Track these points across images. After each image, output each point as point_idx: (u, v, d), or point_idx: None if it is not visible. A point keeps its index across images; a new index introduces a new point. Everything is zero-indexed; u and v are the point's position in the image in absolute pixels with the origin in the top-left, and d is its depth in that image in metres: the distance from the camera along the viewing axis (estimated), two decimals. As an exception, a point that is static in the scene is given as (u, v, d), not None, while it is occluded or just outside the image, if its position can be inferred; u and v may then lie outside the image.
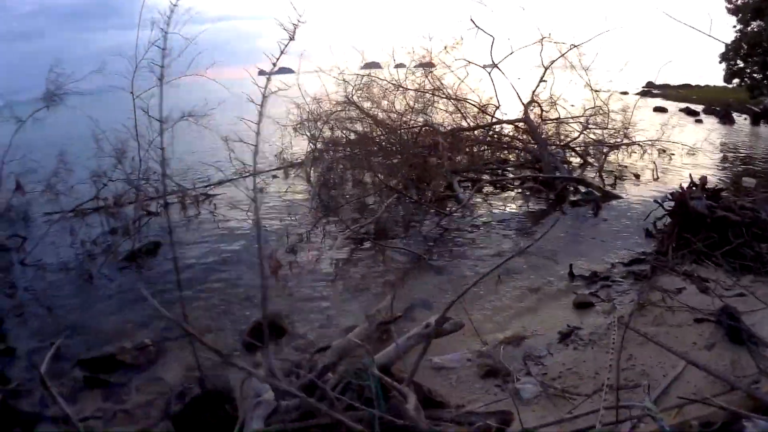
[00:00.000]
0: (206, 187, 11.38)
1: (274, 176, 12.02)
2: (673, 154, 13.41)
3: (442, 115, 12.12)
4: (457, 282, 6.41)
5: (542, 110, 11.61)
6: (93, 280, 7.02)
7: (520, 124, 11.38)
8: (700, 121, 21.51)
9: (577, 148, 12.43)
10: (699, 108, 24.96)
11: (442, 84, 11.64)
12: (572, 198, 9.65)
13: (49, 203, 9.64)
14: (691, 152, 13.37)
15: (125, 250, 7.78)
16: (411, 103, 11.52)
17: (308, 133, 11.95)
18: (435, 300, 5.94)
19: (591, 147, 12.24)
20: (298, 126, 11.85)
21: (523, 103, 11.05)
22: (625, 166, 12.41)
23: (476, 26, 10.71)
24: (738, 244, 6.43)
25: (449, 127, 11.62)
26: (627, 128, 12.62)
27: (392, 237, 8.22)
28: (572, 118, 12.24)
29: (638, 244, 7.59)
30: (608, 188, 9.99)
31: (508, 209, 9.57)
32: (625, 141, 12.61)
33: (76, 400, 4.25)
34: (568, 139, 12.12)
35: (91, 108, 10.06)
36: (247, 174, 11.32)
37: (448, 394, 3.99)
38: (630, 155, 13.20)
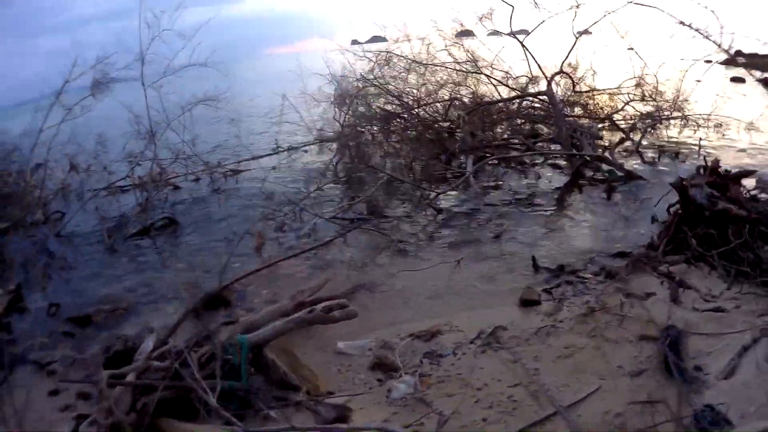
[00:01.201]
0: (239, 162, 11.51)
1: (305, 151, 11.89)
2: (728, 130, 11.87)
3: (482, 89, 11.32)
4: (416, 267, 6.16)
5: (573, 82, 10.57)
6: (109, 251, 7.76)
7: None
8: None
9: (620, 123, 11.30)
10: (782, 78, 21.86)
11: (473, 56, 10.86)
12: (596, 176, 8.82)
13: (99, 182, 10.27)
14: (750, 128, 11.72)
15: (144, 224, 8.39)
16: (441, 78, 10.92)
17: (339, 110, 11.59)
18: (385, 284, 5.77)
19: (631, 121, 11.06)
20: (333, 102, 11.46)
21: (545, 75, 10.09)
22: (676, 143, 11.19)
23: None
24: (737, 245, 5.58)
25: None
26: (677, 100, 11.24)
27: (385, 217, 7.95)
28: (609, 90, 11.05)
29: (640, 234, 6.73)
30: (635, 167, 9.01)
31: (523, 187, 8.93)
32: (673, 114, 11.26)
33: (56, 347, 5.10)
34: (606, 113, 11.01)
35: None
36: (275, 150, 11.44)
37: (329, 380, 3.99)
38: (682, 130, 11.84)
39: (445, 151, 9.86)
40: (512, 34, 9.91)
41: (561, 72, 10.18)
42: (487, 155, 9.41)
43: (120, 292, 6.28)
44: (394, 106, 10.74)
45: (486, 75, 10.41)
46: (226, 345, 3.49)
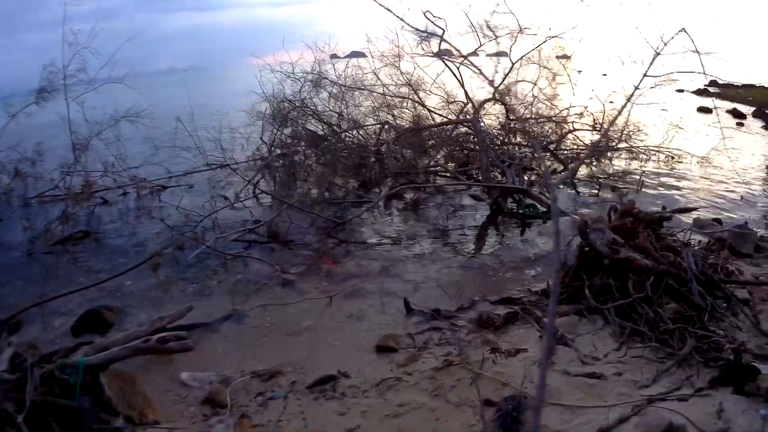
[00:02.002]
0: (169, 178, 10.80)
1: (235, 170, 11.12)
2: (679, 162, 11.18)
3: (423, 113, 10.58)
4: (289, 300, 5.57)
5: (507, 109, 9.86)
6: (29, 258, 7.36)
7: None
8: (742, 125, 18.20)
9: (564, 152, 10.61)
10: (749, 110, 21.22)
11: (408, 80, 10.15)
12: (518, 210, 8.08)
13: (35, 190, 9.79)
14: (703, 162, 11.02)
15: (64, 234, 8.00)
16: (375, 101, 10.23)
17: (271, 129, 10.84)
18: (254, 316, 5.24)
19: (574, 151, 10.37)
20: (265, 120, 10.68)
21: (472, 102, 9.38)
22: (623, 175, 10.49)
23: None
24: (637, 299, 4.79)
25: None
26: (625, 130, 10.57)
27: (286, 241, 7.28)
28: (548, 118, 10.33)
29: (541, 278, 5.98)
30: (567, 201, 8.26)
31: (439, 219, 8.15)
32: (618, 144, 10.58)
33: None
34: (547, 142, 10.29)
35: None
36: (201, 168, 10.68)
37: (163, 410, 3.81)
38: (631, 162, 11.14)
39: (368, 178, 9.11)
40: (440, 56, 9.15)
41: (493, 99, 9.48)
42: (405, 184, 8.59)
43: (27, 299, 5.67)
44: (323, 130, 10.00)
45: (414, 100, 9.67)
46: (65, 365, 3.52)
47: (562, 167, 10.08)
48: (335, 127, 9.75)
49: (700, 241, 6.69)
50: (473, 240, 7.33)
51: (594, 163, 10.66)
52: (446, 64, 9.07)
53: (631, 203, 5.79)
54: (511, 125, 10.16)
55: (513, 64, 9.56)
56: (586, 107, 10.52)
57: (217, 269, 6.50)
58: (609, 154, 10.60)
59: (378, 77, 9.66)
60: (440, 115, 9.82)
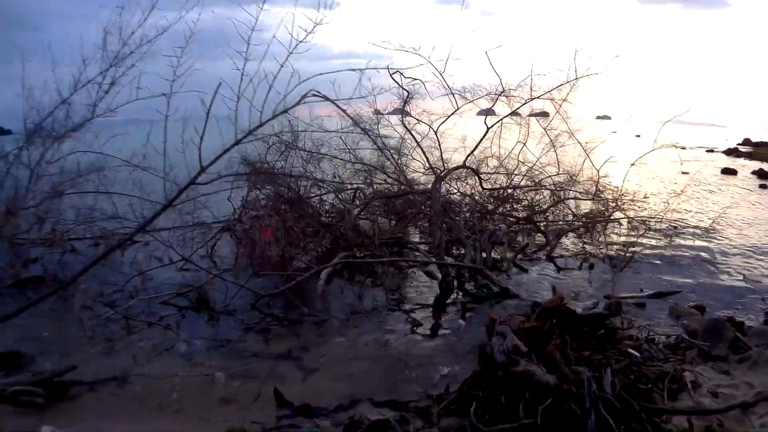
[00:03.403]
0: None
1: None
2: (681, 232, 9.94)
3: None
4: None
5: (480, 178, 9.10)
6: None
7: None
8: (765, 186, 16.37)
9: (555, 223, 9.68)
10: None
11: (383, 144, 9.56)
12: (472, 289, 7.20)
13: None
14: (708, 232, 9.74)
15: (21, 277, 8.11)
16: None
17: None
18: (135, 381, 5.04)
19: (560, 221, 9.41)
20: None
21: (433, 170, 8.66)
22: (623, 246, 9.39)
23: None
24: (524, 425, 3.85)
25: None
26: (620, 198, 9.54)
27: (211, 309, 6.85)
28: (534, 186, 9.45)
29: (451, 376, 5.07)
30: (543, 277, 7.32)
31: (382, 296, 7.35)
32: (612, 214, 9.52)
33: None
34: (529, 213, 9.41)
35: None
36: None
37: None
38: (628, 232, 9.98)
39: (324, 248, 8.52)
40: (402, 122, 8.61)
41: (463, 167, 8.76)
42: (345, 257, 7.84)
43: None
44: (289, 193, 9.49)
45: (375, 167, 9.04)
46: None
47: (524, 243, 9.15)
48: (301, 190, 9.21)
49: (672, 337, 5.69)
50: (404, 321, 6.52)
51: (586, 235, 9.62)
52: (409, 131, 8.45)
53: (557, 298, 4.87)
54: (493, 194, 9.36)
55: (488, 127, 8.88)
56: (574, 175, 9.55)
57: (137, 329, 6.27)
58: (601, 226, 9.52)
59: (344, 140, 9.08)
60: (402, 183, 9.08)
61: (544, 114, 9.86)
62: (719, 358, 5.38)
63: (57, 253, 9.15)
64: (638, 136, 17.70)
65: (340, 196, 9.53)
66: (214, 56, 8.14)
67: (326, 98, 7.35)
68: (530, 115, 9.78)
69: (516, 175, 9.79)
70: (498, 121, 8.94)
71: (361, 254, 8.36)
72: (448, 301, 7.09)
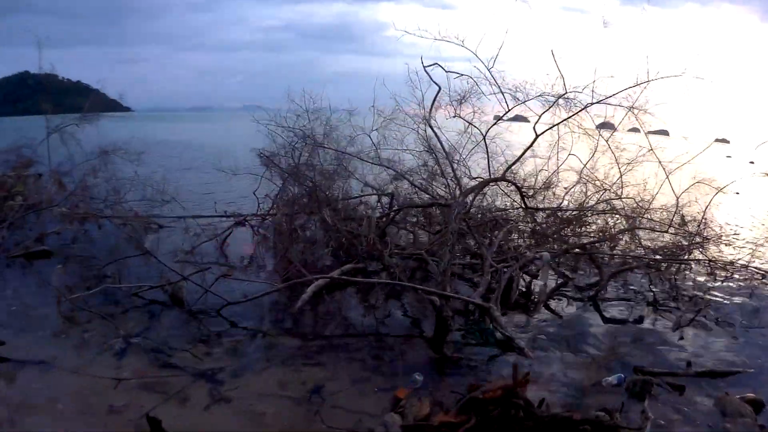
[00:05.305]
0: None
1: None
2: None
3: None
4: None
5: (522, 194, 7.55)
6: None
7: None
8: None
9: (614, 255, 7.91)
10: None
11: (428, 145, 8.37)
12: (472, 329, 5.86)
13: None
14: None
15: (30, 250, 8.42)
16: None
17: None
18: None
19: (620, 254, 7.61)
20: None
21: (458, 184, 7.23)
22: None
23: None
24: None
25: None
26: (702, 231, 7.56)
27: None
28: (579, 210, 7.69)
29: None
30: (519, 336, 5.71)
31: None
32: (691, 253, 7.55)
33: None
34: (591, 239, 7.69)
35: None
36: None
37: None
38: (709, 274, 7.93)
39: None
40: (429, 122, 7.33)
41: (503, 179, 7.33)
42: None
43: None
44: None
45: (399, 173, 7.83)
46: None
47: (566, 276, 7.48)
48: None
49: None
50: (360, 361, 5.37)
51: (653, 273, 7.76)
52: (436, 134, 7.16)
53: (503, 386, 3.50)
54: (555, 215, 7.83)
55: (537, 135, 7.37)
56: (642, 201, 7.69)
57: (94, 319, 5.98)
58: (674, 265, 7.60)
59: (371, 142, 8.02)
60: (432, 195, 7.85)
61: (611, 126, 8.10)
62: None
63: (75, 230, 9.44)
64: (752, 162, 14.71)
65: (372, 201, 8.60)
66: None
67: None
68: (598, 126, 8.08)
69: (571, 195, 8.15)
70: (547, 129, 7.37)
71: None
72: (448, 338, 5.81)
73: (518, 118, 8.04)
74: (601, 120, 7.50)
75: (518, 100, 7.50)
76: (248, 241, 9.12)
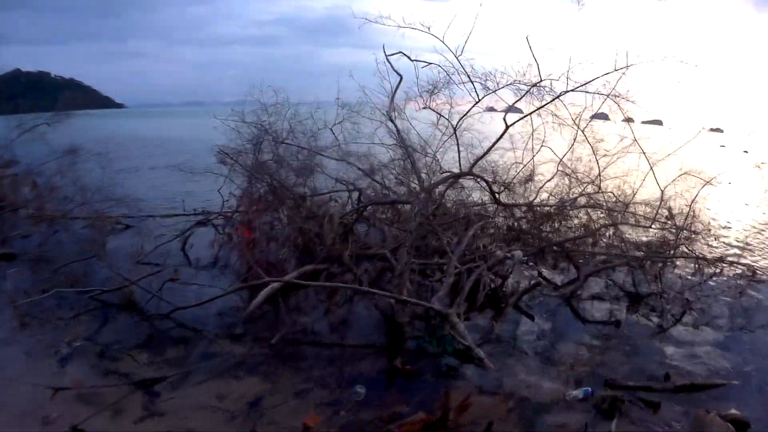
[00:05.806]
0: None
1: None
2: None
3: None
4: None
5: (492, 190, 7.04)
6: None
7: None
8: None
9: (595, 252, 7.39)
10: None
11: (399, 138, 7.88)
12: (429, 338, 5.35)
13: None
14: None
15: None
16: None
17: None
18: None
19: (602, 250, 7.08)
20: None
21: (419, 178, 6.73)
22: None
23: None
24: None
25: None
26: (688, 224, 7.02)
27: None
28: (555, 205, 7.17)
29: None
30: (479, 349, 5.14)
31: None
32: (677, 248, 7.01)
33: None
34: (561, 237, 7.18)
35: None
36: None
37: None
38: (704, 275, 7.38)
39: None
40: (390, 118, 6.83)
41: (469, 173, 6.82)
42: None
43: None
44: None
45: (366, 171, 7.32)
46: None
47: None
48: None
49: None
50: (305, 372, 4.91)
51: (636, 270, 7.24)
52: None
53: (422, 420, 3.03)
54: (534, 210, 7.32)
55: (508, 126, 6.86)
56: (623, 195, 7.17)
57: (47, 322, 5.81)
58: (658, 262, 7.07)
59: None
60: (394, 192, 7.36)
61: (604, 116, 7.55)
62: None
63: (42, 233, 9.06)
64: (746, 152, 14.16)
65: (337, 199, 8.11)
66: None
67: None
68: (593, 117, 7.56)
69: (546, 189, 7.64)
70: (518, 120, 6.86)
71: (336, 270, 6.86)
72: (406, 346, 5.32)
73: (492, 110, 7.54)
74: (578, 109, 6.94)
75: (488, 89, 7.00)
76: (213, 240, 8.68)
